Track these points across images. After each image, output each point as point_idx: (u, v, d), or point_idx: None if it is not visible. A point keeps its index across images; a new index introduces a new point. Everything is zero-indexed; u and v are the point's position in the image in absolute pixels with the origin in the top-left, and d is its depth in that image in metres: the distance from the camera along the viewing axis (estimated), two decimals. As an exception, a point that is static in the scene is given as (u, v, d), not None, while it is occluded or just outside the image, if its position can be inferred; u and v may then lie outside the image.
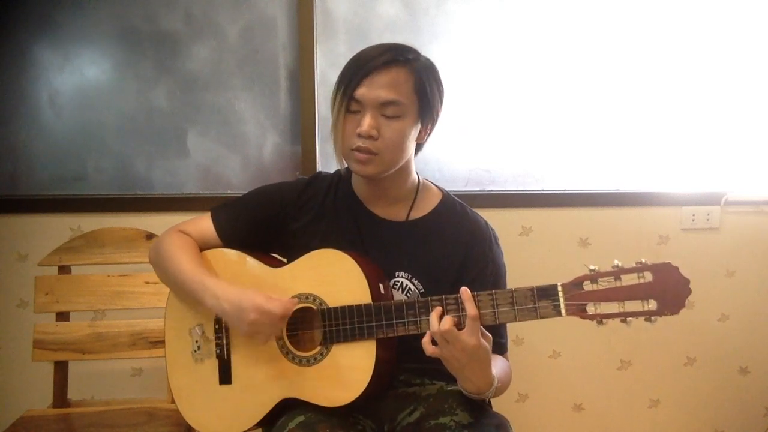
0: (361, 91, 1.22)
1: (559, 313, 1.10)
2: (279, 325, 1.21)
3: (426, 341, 1.14)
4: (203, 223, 1.38)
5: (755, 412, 2.28)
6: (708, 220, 2.14)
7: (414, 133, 1.28)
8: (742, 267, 2.18)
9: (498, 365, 1.23)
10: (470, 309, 1.11)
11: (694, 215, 2.14)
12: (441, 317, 1.13)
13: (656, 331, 2.17)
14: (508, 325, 1.36)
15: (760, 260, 2.18)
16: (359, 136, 1.23)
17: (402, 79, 1.23)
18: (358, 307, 1.20)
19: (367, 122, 1.22)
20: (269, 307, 1.18)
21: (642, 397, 2.24)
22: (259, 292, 1.20)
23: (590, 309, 1.09)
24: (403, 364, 1.30)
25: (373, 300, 1.20)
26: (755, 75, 2.13)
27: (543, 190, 2.14)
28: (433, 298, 1.17)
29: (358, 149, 1.23)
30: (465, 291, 1.13)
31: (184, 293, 1.31)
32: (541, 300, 1.11)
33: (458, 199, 1.41)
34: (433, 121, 1.32)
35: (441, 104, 1.32)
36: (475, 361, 1.13)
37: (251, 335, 1.22)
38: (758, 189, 2.15)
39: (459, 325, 1.12)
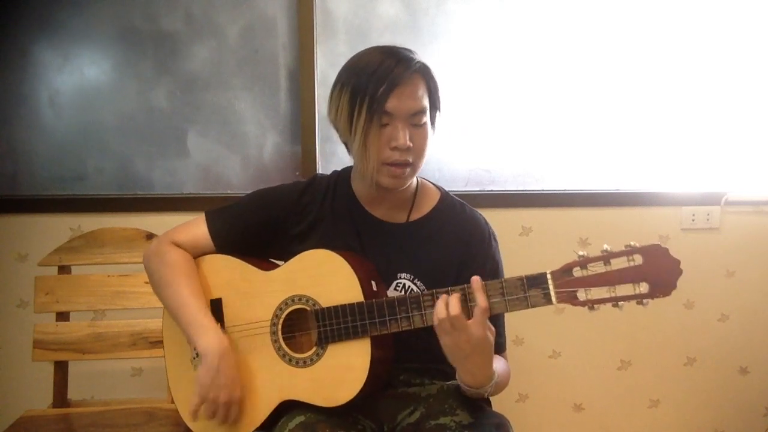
0: (393, 104, 1.21)
1: (549, 301, 1.09)
2: (220, 417, 1.24)
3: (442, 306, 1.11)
4: (196, 230, 1.36)
5: (755, 412, 2.27)
6: (708, 220, 2.14)
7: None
8: (742, 267, 2.18)
9: (497, 363, 1.23)
10: (481, 300, 1.10)
11: (694, 215, 2.14)
12: (447, 305, 1.11)
13: (656, 331, 2.18)
14: (506, 324, 1.37)
15: (760, 260, 2.18)
16: (395, 149, 1.22)
17: (422, 86, 1.24)
18: (351, 306, 1.20)
19: (403, 135, 1.22)
20: (235, 411, 1.24)
21: (642, 397, 2.24)
22: (238, 382, 1.24)
23: (581, 295, 1.07)
24: (403, 364, 1.30)
25: (365, 298, 1.20)
26: (755, 75, 2.13)
27: (543, 190, 2.14)
28: (425, 293, 1.17)
29: (395, 163, 1.23)
30: (476, 280, 1.11)
31: (175, 320, 1.30)
32: (531, 289, 1.10)
33: (456, 198, 1.41)
34: (436, 120, 1.32)
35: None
36: (478, 354, 1.12)
37: (198, 395, 1.23)
38: (758, 189, 2.15)
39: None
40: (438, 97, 1.29)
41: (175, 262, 1.32)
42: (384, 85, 1.20)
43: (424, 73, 1.26)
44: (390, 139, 1.22)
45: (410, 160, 1.24)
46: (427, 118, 1.26)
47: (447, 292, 1.14)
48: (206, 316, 1.26)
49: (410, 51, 1.27)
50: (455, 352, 1.12)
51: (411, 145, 1.23)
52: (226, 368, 1.22)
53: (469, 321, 1.09)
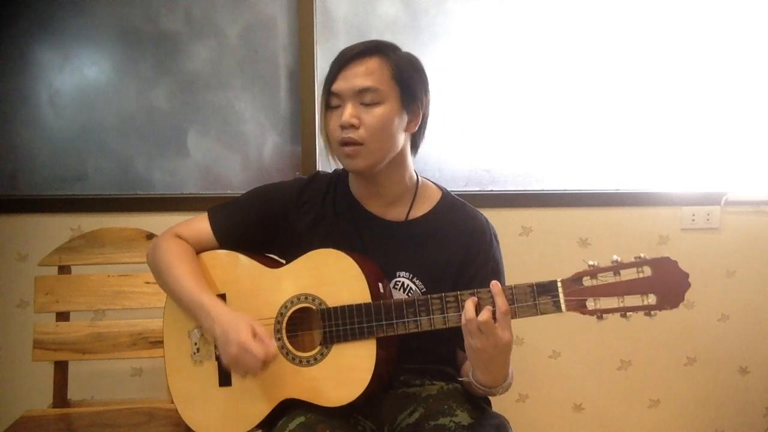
0: (338, 84, 1.24)
1: (559, 309, 1.10)
2: (259, 366, 1.18)
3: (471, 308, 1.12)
4: (199, 225, 1.37)
5: (755, 412, 2.27)
6: (708, 220, 2.14)
7: (399, 122, 1.27)
8: (742, 267, 2.18)
9: None
10: (502, 303, 1.11)
11: (694, 215, 2.14)
12: (476, 307, 1.12)
13: (656, 331, 2.18)
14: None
15: (760, 260, 2.18)
16: (342, 127, 1.24)
17: (376, 67, 1.24)
18: (358, 306, 1.20)
19: (347, 112, 1.23)
20: (251, 348, 1.16)
21: (642, 397, 2.24)
22: (248, 326, 1.18)
23: (590, 304, 1.09)
24: (403, 365, 1.30)
25: (372, 299, 1.20)
26: (755, 75, 2.13)
27: (543, 190, 2.14)
28: (433, 296, 1.17)
29: (344, 141, 1.24)
30: (495, 284, 1.12)
31: (181, 306, 1.30)
32: (541, 296, 1.11)
33: (458, 198, 1.40)
34: (420, 111, 1.31)
35: (426, 94, 1.31)
36: (501, 355, 1.14)
37: (232, 367, 1.20)
38: (758, 189, 2.15)
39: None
40: (412, 83, 1.27)
41: (177, 251, 1.33)
42: (334, 68, 1.26)
43: (391, 59, 1.26)
44: (340, 119, 1.24)
45: (357, 138, 1.23)
46: (382, 99, 1.24)
47: (456, 297, 1.15)
48: (208, 294, 1.26)
49: (388, 43, 1.29)
50: (481, 354, 1.13)
51: (355, 122, 1.23)
52: (224, 327, 1.19)
53: (496, 324, 1.10)
